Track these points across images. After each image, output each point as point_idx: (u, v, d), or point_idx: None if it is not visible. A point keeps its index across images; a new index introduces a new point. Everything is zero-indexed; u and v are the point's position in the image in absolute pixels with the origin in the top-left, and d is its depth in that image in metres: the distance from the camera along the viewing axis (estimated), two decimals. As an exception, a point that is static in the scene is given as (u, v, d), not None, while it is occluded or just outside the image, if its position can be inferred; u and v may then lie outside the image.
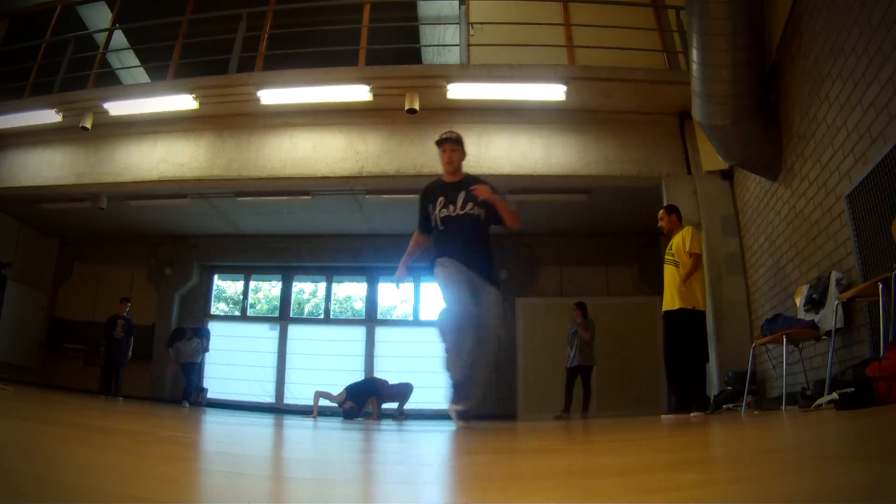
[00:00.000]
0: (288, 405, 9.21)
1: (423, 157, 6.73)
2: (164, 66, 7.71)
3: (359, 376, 8.36)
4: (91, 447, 1.44)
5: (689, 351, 4.49)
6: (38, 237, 9.68)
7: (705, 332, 4.74)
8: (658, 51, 6.75)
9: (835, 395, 2.78)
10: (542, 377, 8.54)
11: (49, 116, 7.04)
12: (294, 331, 9.88)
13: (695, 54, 4.72)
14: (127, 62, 8.87)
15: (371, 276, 9.95)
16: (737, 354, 5.44)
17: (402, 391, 7.38)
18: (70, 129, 7.04)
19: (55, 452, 1.16)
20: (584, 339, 7.32)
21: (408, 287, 9.98)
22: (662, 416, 4.80)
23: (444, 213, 3.68)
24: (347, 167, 6.79)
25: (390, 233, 9.34)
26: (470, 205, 3.66)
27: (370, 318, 9.84)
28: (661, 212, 5.04)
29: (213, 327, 9.98)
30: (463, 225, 3.65)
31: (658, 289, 8.83)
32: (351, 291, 10.70)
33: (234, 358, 9.64)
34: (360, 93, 6.49)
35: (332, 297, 10.46)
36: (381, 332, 9.72)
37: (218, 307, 10.49)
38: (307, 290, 11.04)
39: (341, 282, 10.55)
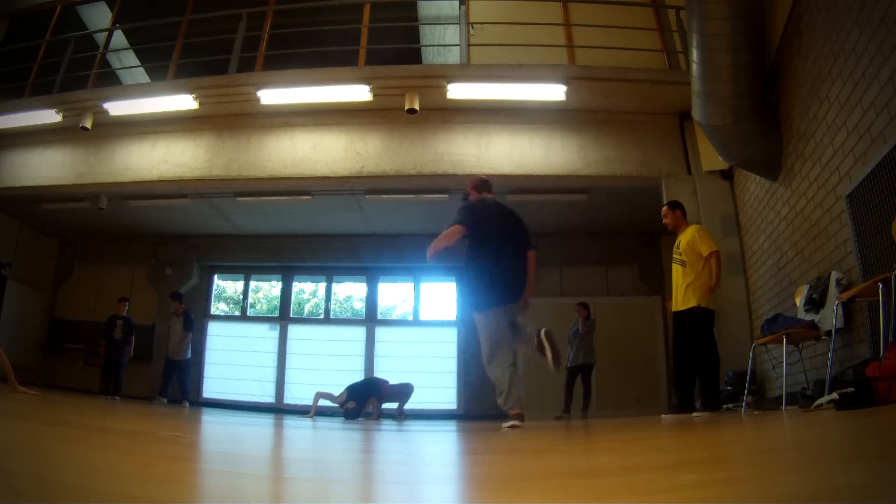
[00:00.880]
0: (288, 405, 9.20)
1: (423, 158, 6.73)
2: (163, 66, 7.71)
3: (359, 376, 8.36)
4: (91, 447, 1.44)
5: (699, 350, 4.46)
6: (38, 237, 9.68)
7: (712, 329, 4.66)
8: (658, 51, 6.75)
9: (835, 395, 2.77)
10: (543, 377, 8.52)
11: (49, 116, 7.03)
12: (294, 331, 9.88)
13: (695, 54, 4.72)
14: (127, 62, 8.87)
15: (371, 276, 9.95)
16: (737, 354, 5.43)
17: (403, 391, 7.39)
18: (70, 129, 7.04)
19: (55, 452, 1.16)
20: (582, 331, 7.36)
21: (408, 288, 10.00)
22: (662, 415, 4.80)
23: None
24: (347, 167, 6.79)
25: (390, 233, 9.34)
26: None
27: (370, 318, 9.84)
28: (664, 208, 4.99)
29: (213, 327, 9.99)
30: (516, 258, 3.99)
31: (658, 289, 8.92)
32: (351, 291, 10.70)
33: (233, 358, 9.64)
34: (360, 93, 6.49)
35: (332, 297, 10.46)
36: (381, 332, 9.72)
37: (218, 307, 10.49)
38: (307, 290, 11.04)
39: (341, 282, 10.55)
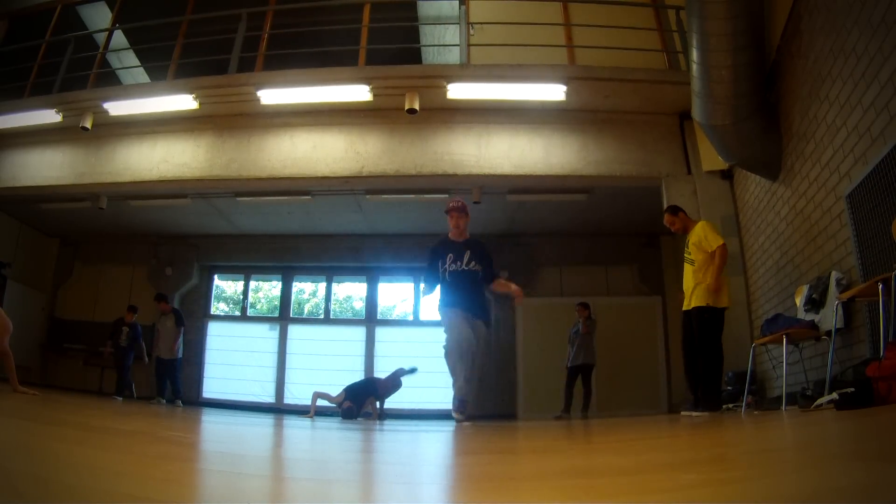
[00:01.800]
0: (288, 405, 9.20)
1: (423, 158, 6.73)
2: (164, 66, 7.70)
3: (359, 376, 8.35)
4: (91, 447, 1.44)
5: (702, 350, 4.46)
6: (38, 237, 9.68)
7: (718, 329, 4.61)
8: (658, 51, 6.74)
9: (835, 395, 2.77)
10: (543, 377, 8.54)
11: (49, 116, 7.03)
12: (294, 331, 9.88)
13: (695, 54, 4.72)
14: (127, 62, 8.86)
15: (371, 276, 9.95)
16: (737, 354, 5.43)
17: (393, 382, 7.24)
18: (70, 129, 7.04)
19: (55, 452, 1.16)
20: (582, 331, 7.37)
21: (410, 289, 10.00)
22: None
23: (453, 268, 4.50)
24: (347, 167, 6.79)
25: (390, 232, 9.34)
26: (473, 262, 4.53)
27: (370, 318, 9.84)
28: (666, 216, 4.96)
29: (213, 327, 9.99)
30: (466, 279, 4.50)
31: (658, 289, 8.92)
32: (351, 291, 10.70)
33: (233, 358, 9.64)
34: (360, 93, 6.49)
35: (332, 297, 10.46)
36: (381, 332, 9.72)
37: (218, 307, 10.49)
38: (307, 290, 11.04)
39: (341, 282, 10.55)
